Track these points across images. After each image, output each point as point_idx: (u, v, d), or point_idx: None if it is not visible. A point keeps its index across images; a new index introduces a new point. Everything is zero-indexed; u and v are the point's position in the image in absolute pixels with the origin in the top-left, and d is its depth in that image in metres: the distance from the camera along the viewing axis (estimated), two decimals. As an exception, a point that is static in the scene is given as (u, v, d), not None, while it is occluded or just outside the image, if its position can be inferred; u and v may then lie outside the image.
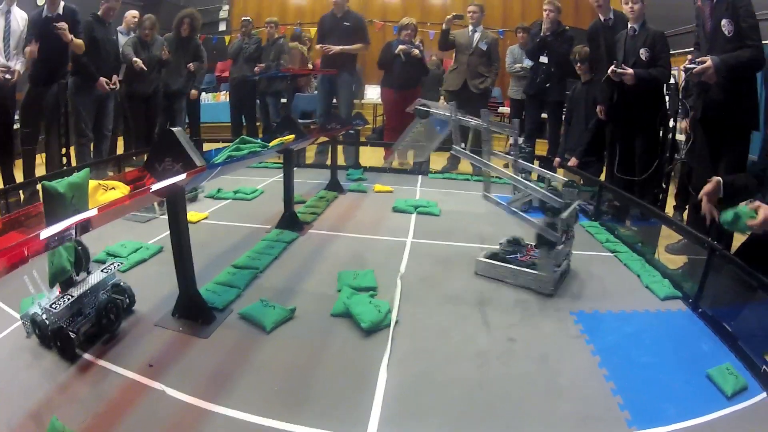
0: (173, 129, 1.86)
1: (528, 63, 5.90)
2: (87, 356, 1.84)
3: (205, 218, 3.45)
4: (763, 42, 3.06)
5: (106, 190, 1.65)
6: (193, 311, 2.06)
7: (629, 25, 3.96)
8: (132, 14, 5.65)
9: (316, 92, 6.81)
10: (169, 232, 2.03)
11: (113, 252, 2.67)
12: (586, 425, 1.66)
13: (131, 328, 2.03)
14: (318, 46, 5.88)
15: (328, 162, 4.74)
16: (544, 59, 5.30)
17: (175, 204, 1.98)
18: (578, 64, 4.83)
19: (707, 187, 2.54)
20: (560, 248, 2.62)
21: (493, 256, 2.80)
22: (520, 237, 2.97)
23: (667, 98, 4.01)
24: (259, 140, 2.77)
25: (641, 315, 2.52)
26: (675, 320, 2.52)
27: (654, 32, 3.87)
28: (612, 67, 3.83)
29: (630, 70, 3.75)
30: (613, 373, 1.97)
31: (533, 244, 2.80)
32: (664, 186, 4.11)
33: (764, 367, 2.06)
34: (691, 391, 1.93)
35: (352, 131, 5.44)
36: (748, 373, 2.07)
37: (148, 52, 5.25)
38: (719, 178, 2.55)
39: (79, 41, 4.28)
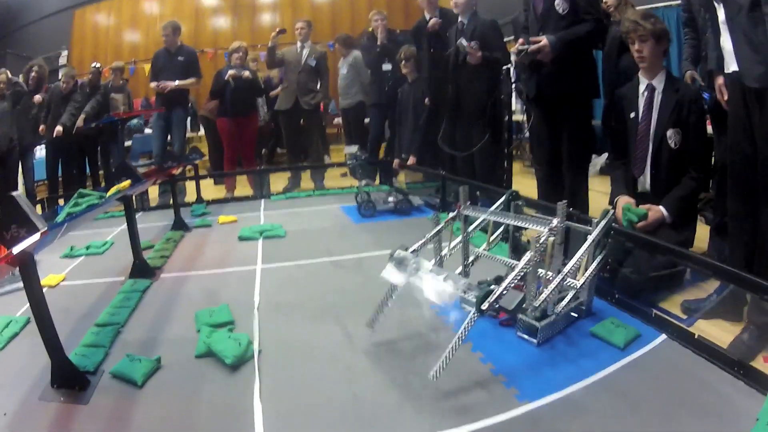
0: (13, 194, 1.78)
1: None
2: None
3: (63, 280, 3.25)
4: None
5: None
6: (68, 379, 1.99)
7: (459, 20, 4.10)
8: None
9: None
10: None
11: (-13, 330, 2.48)
12: (474, 410, 1.68)
13: (20, 405, 1.91)
14: (152, 84, 5.66)
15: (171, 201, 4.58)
16: (387, 66, 5.47)
17: (28, 272, 1.88)
18: (404, 62, 4.97)
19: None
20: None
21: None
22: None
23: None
24: (95, 192, 2.71)
25: (491, 294, 2.59)
26: (543, 291, 2.62)
27: (483, 22, 4.02)
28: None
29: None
30: (489, 355, 1.99)
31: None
32: (506, 166, 4.34)
33: (654, 311, 2.15)
34: (578, 353, 1.97)
35: (190, 166, 5.33)
36: (637, 321, 2.17)
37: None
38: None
39: None
